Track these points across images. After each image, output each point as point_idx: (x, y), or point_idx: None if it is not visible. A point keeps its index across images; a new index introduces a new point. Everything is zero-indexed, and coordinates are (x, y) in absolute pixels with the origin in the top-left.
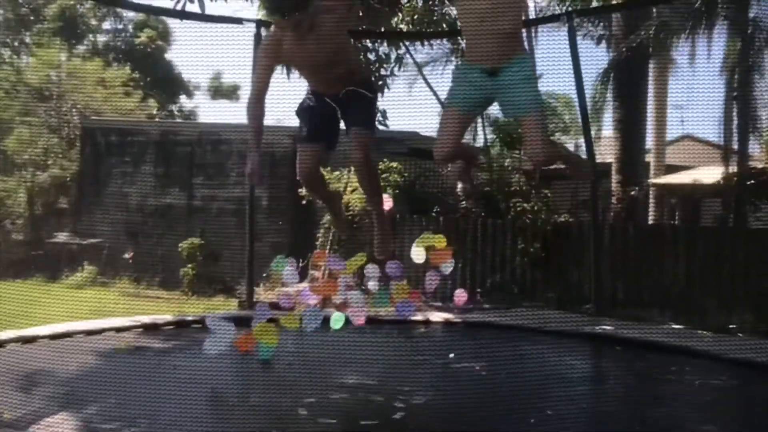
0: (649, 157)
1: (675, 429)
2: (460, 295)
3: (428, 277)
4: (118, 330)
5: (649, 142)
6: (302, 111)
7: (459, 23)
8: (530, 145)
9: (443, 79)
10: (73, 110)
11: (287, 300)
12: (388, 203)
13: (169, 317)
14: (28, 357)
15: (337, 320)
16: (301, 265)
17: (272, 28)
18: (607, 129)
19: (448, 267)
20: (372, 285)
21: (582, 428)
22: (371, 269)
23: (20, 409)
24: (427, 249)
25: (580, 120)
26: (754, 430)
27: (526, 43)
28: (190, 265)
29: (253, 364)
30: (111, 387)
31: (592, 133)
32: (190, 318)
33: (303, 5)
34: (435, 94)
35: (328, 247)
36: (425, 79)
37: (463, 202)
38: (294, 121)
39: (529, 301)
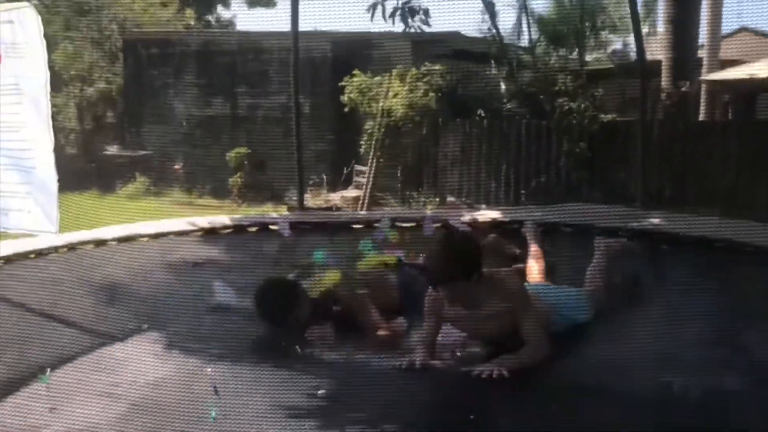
0: (702, 53)
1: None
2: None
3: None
4: (179, 234)
5: (703, 37)
6: None
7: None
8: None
9: None
10: (113, 23)
11: None
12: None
13: (227, 219)
14: (101, 259)
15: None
16: (345, 171)
17: None
18: (659, 25)
19: None
20: None
21: None
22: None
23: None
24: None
25: (629, 16)
26: None
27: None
28: (238, 174)
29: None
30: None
31: (643, 29)
32: (247, 222)
33: None
34: None
35: (371, 153)
36: None
37: (507, 104)
38: (331, 25)
39: (574, 200)
